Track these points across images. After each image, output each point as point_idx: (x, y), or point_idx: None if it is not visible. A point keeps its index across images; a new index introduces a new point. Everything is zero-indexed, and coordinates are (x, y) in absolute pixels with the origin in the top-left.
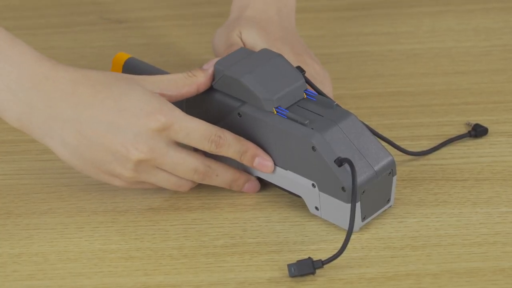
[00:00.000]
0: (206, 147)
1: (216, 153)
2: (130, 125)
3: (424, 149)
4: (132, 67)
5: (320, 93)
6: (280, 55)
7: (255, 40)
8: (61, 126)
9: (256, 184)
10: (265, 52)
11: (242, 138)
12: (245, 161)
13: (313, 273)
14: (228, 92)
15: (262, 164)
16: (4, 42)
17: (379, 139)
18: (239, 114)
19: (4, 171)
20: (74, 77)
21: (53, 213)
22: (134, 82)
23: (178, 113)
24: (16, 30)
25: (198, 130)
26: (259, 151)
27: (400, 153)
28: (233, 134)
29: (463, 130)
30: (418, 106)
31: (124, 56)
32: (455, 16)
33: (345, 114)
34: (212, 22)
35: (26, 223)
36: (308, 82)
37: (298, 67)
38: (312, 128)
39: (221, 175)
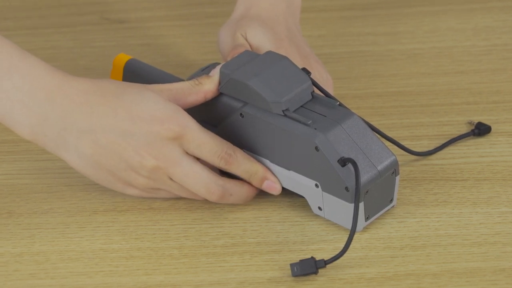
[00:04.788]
0: (215, 163)
1: (225, 170)
2: (143, 132)
3: (425, 148)
4: (133, 69)
5: (327, 95)
6: (285, 57)
7: (261, 41)
8: (76, 136)
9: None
10: (270, 54)
11: (252, 158)
12: (254, 182)
13: (315, 272)
14: (235, 95)
15: (271, 187)
16: (15, 55)
17: (384, 139)
18: (241, 114)
19: (6, 171)
20: (85, 87)
21: (54, 213)
22: (146, 90)
23: (192, 123)
24: (17, 30)
25: (209, 144)
26: (268, 174)
27: (401, 153)
28: (244, 153)
29: (464, 129)
30: (419, 106)
31: (125, 57)
32: (455, 16)
33: (348, 114)
34: (212, 22)
35: (28, 222)
36: (314, 83)
37: (304, 69)
38: (315, 128)
39: (235, 195)
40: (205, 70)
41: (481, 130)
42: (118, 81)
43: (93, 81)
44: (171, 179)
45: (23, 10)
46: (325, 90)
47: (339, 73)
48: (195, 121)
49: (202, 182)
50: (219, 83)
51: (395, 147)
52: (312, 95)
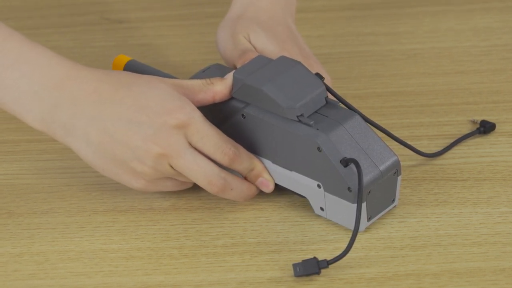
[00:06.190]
0: (218, 158)
1: (227, 166)
2: (151, 121)
3: (425, 148)
4: (133, 70)
5: (340, 100)
6: (299, 63)
7: (265, 44)
8: (85, 123)
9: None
10: (284, 59)
11: (252, 155)
12: (249, 177)
13: (318, 273)
14: (249, 101)
15: (264, 184)
16: (24, 46)
17: (394, 141)
18: (243, 115)
19: (5, 171)
20: (96, 76)
21: (54, 213)
22: (157, 80)
23: (198, 115)
24: (18, 30)
25: (213, 138)
26: (264, 172)
27: (400, 153)
28: (246, 150)
29: (464, 129)
30: (418, 106)
31: (124, 58)
32: (455, 16)
33: (350, 114)
34: (212, 22)
35: (27, 222)
36: (328, 89)
37: (317, 74)
38: (317, 129)
39: (236, 189)
40: (206, 72)
41: (486, 128)
42: (129, 72)
43: (103, 71)
44: (174, 169)
45: (23, 10)
46: (339, 95)
47: (339, 73)
48: (202, 115)
49: (205, 173)
50: (232, 88)
51: (399, 147)
52: (326, 101)
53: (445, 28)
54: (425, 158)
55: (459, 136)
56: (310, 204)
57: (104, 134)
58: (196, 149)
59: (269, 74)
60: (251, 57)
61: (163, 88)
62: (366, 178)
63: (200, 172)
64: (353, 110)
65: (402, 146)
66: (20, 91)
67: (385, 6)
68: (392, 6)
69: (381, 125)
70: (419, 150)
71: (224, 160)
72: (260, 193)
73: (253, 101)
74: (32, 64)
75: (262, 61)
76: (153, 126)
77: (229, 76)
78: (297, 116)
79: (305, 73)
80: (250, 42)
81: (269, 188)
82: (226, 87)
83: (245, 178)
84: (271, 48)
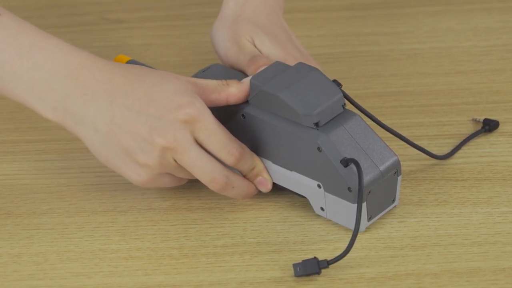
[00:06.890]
0: (223, 157)
1: (231, 166)
2: (160, 115)
3: (425, 148)
4: None
5: (357, 106)
6: (316, 69)
7: (269, 49)
8: (95, 112)
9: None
10: (301, 66)
11: (255, 155)
12: (249, 175)
13: (318, 273)
14: (265, 107)
15: (262, 183)
16: (37, 36)
17: (404, 142)
18: (243, 115)
19: (4, 171)
20: (109, 67)
21: (53, 213)
22: (171, 76)
23: (208, 113)
24: None
25: (220, 137)
26: (264, 171)
27: (400, 153)
28: (249, 150)
29: (464, 129)
30: (418, 106)
31: (124, 58)
32: (455, 16)
33: (350, 114)
34: (212, 22)
35: (26, 223)
36: (345, 96)
37: (335, 81)
38: (317, 129)
39: (237, 188)
40: (206, 72)
41: (491, 126)
42: (144, 66)
43: (117, 63)
44: (177, 163)
45: (23, 10)
46: (356, 102)
47: (339, 73)
48: (211, 113)
49: (208, 170)
50: (249, 94)
51: (399, 148)
52: (343, 108)
53: (445, 28)
54: (425, 158)
55: (460, 135)
56: (310, 204)
57: (112, 124)
58: (201, 146)
59: (287, 81)
60: (262, 62)
61: (176, 84)
62: (366, 178)
63: (204, 169)
64: (369, 117)
65: (402, 147)
66: (32, 80)
67: (385, 6)
68: (392, 6)
69: None
70: (430, 152)
71: (229, 160)
72: (260, 193)
73: (270, 107)
74: (45, 53)
75: (279, 67)
76: (161, 119)
77: (246, 81)
78: (314, 123)
79: (323, 80)
80: (255, 46)
81: (267, 187)
82: (241, 91)
83: (244, 176)
84: (274, 52)
